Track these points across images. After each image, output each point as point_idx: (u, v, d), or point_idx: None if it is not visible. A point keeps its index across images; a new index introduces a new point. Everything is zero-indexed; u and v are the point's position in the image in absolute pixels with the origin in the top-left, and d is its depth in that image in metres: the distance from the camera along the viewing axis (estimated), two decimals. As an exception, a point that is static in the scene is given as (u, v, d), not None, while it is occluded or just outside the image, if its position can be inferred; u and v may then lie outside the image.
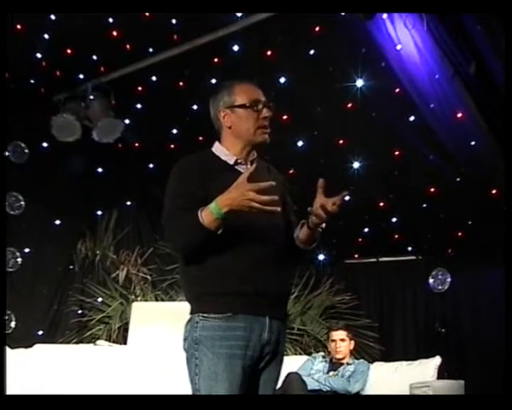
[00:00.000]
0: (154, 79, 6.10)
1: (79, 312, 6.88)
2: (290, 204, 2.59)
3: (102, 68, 6.06)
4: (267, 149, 2.47)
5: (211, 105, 2.51)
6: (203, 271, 2.29)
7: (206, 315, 2.27)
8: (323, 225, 2.41)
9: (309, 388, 4.98)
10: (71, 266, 7.06)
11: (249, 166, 2.40)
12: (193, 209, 2.23)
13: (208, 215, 2.19)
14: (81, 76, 6.19)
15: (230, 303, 2.26)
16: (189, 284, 2.37)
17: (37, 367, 5.07)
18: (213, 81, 5.56)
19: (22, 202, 6.20)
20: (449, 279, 6.42)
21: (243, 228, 2.28)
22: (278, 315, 2.40)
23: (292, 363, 5.47)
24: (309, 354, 6.05)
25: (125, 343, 6.05)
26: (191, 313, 2.34)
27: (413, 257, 7.15)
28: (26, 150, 6.19)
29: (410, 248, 7.09)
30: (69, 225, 6.99)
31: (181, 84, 6.02)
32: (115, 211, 7.20)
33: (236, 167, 2.43)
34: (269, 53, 5.48)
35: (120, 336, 6.57)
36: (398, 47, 5.00)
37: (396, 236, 6.87)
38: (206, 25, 5.32)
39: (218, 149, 2.48)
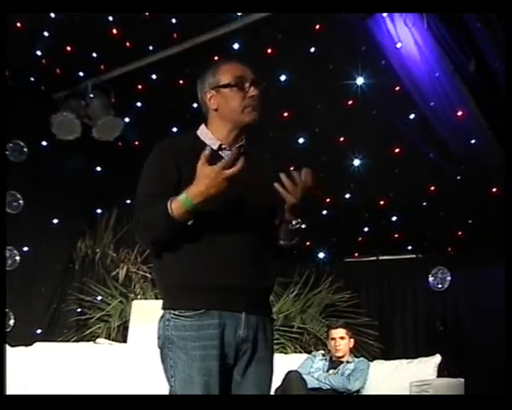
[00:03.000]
0: (154, 77, 6.10)
1: (79, 310, 6.87)
2: (278, 199, 2.40)
3: (102, 66, 6.05)
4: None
5: (197, 87, 2.39)
6: (175, 262, 2.18)
7: (177, 313, 2.16)
8: (300, 223, 2.30)
9: (309, 386, 4.99)
10: (70, 265, 7.06)
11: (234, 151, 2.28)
12: (164, 196, 2.13)
13: (178, 207, 2.07)
14: (81, 74, 6.19)
15: (203, 298, 2.15)
16: (161, 276, 2.27)
17: (38, 365, 5.07)
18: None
19: (21, 201, 6.19)
20: (449, 278, 6.42)
21: (220, 218, 2.16)
22: (257, 311, 2.24)
23: (292, 361, 5.48)
24: (309, 352, 6.05)
25: (125, 342, 6.05)
26: (163, 308, 2.23)
27: (413, 256, 7.14)
28: (26, 149, 6.19)
29: (410, 247, 7.08)
30: (69, 223, 6.97)
31: (181, 82, 6.01)
32: (115, 209, 7.19)
33: (220, 153, 2.29)
34: (269, 51, 5.48)
35: (120, 334, 6.56)
36: (398, 45, 4.99)
37: (396, 234, 6.86)
38: (206, 23, 5.31)
39: (203, 132, 2.35)
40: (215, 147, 2.30)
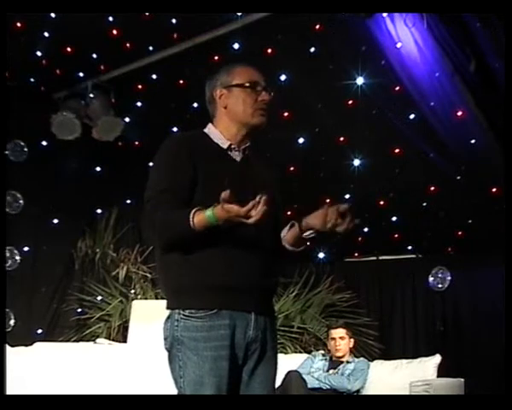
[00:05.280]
0: (154, 77, 6.10)
1: (79, 310, 6.88)
2: (279, 201, 2.44)
3: (102, 67, 6.05)
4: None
5: (207, 86, 2.39)
6: (184, 262, 2.17)
7: (187, 313, 2.15)
8: (314, 234, 2.31)
9: (309, 386, 4.99)
10: (70, 265, 7.06)
11: (242, 153, 2.33)
12: (179, 193, 2.15)
13: (201, 221, 2.06)
14: (81, 74, 6.19)
15: (214, 298, 2.14)
16: (169, 276, 2.24)
17: (38, 365, 5.07)
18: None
19: (21, 201, 6.19)
20: (449, 278, 6.42)
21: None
22: (265, 311, 2.26)
23: (292, 361, 5.48)
24: (309, 352, 6.05)
25: (125, 341, 6.05)
26: (169, 308, 2.21)
27: (413, 256, 7.13)
28: (26, 149, 6.19)
29: (410, 247, 7.08)
30: (69, 223, 6.98)
31: (181, 82, 6.02)
32: (115, 209, 7.20)
33: (229, 153, 2.32)
34: (269, 51, 5.48)
35: (120, 334, 6.57)
36: (399, 45, 5.00)
37: (396, 234, 6.86)
38: (207, 23, 5.32)
39: (211, 130, 2.36)
40: (225, 146, 2.32)
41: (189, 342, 2.14)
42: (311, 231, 2.31)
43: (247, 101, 2.31)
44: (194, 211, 2.07)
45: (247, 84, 2.32)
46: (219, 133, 2.34)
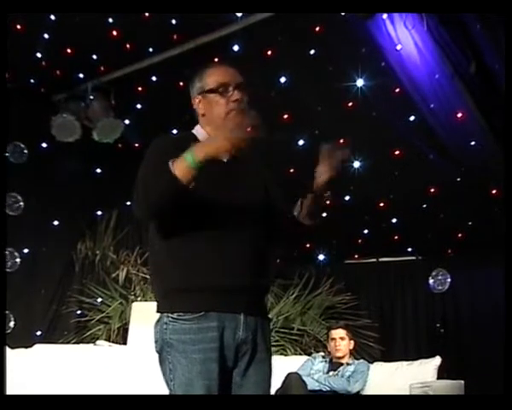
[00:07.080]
0: (154, 79, 6.10)
1: (79, 312, 6.87)
2: (275, 192, 2.43)
3: (102, 68, 6.06)
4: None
5: (190, 92, 2.39)
6: (173, 264, 2.17)
7: (175, 316, 2.14)
8: (328, 193, 2.35)
9: (309, 388, 4.98)
10: (70, 267, 7.05)
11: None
12: None
13: (180, 165, 2.04)
14: (81, 76, 6.19)
15: (202, 300, 2.13)
16: (158, 279, 2.25)
17: (38, 367, 5.06)
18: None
19: (21, 203, 6.18)
20: (449, 280, 6.41)
21: (218, 218, 2.17)
22: (255, 311, 2.24)
23: (292, 363, 5.48)
24: (309, 354, 6.06)
25: (125, 343, 6.05)
26: (159, 311, 2.22)
27: (413, 257, 7.13)
28: (26, 151, 6.19)
29: (410, 249, 7.08)
30: (69, 225, 6.98)
31: (181, 84, 6.01)
32: (115, 211, 7.20)
33: None
34: (269, 53, 5.48)
35: (120, 336, 6.57)
36: (398, 47, 5.00)
37: (396, 236, 6.86)
38: (207, 24, 5.32)
39: (199, 131, 2.36)
40: None
41: (177, 345, 2.14)
42: (328, 193, 2.36)
43: (219, 105, 2.29)
44: (172, 160, 2.06)
45: (216, 88, 2.29)
46: (206, 134, 2.33)
